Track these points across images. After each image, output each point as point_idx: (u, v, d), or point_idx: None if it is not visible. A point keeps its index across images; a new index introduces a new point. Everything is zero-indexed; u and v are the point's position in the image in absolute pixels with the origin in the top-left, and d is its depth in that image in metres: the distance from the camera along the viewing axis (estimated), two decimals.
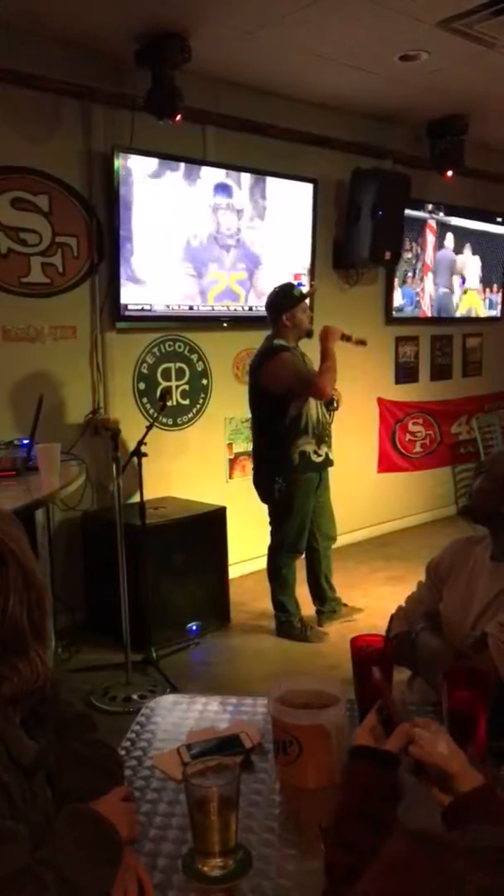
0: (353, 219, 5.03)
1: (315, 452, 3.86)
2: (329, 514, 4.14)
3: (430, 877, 0.75)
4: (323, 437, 3.90)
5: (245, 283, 4.68)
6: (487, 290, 6.45)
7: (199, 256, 4.44)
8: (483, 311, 6.45)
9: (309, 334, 3.94)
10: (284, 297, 3.86)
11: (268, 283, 4.64)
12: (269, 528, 4.10)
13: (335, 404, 4.02)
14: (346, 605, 4.23)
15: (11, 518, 1.21)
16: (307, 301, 3.98)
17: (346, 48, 4.03)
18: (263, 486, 3.97)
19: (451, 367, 6.33)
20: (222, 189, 4.49)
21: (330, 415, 4.02)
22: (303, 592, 4.16)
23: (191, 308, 4.45)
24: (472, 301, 6.31)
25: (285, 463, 3.81)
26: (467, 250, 6.18)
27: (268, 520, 4.09)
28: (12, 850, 0.99)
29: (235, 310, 4.65)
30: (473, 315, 6.37)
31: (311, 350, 3.99)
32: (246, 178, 4.59)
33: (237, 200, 4.56)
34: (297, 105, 4.80)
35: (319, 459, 3.89)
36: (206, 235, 4.46)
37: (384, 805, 1.04)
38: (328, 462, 3.98)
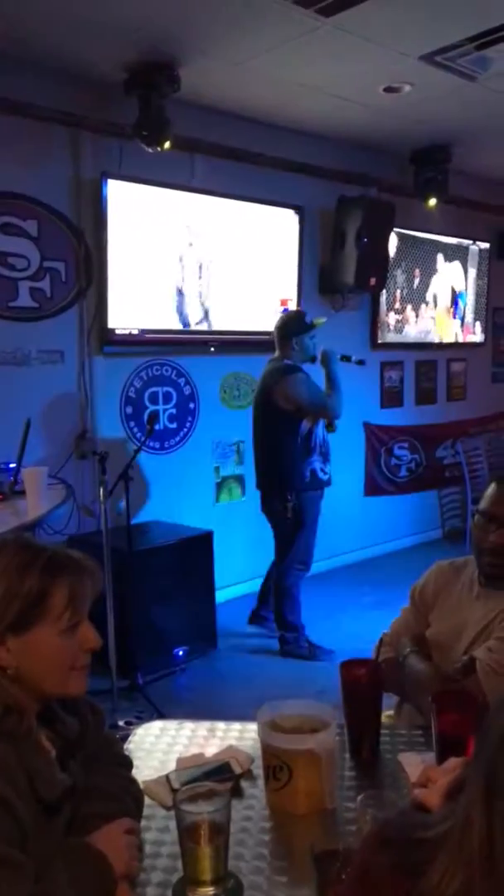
0: (339, 245, 5.09)
1: (322, 470, 3.98)
2: None
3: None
4: (328, 455, 4.02)
5: (228, 309, 4.69)
6: (470, 317, 6.54)
7: (181, 283, 4.46)
8: (466, 337, 6.53)
9: (312, 359, 4.07)
10: (298, 323, 4.03)
11: (255, 308, 4.71)
12: (275, 549, 4.16)
13: (333, 425, 4.15)
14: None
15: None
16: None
17: (333, 80, 4.11)
18: (275, 506, 4.02)
19: (435, 392, 6.39)
20: (205, 216, 4.52)
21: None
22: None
23: (177, 333, 4.48)
24: (454, 326, 6.39)
25: (297, 480, 3.90)
26: (451, 276, 6.27)
27: (274, 542, 4.15)
28: (15, 878, 1.00)
29: (223, 334, 4.68)
30: (457, 341, 6.44)
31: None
32: (233, 204, 4.63)
33: (218, 228, 4.58)
34: (284, 134, 4.87)
35: (326, 477, 4.01)
36: (190, 262, 4.49)
37: None
38: (330, 480, 4.07)
